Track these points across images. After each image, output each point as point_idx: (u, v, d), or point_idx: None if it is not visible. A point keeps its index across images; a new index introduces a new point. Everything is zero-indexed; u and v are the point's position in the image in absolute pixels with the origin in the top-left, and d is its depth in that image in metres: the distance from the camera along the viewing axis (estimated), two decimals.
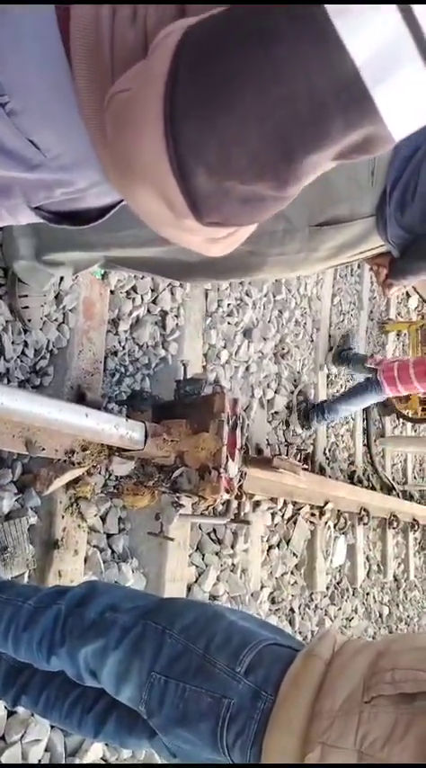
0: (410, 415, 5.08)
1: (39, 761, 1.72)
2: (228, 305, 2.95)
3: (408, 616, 5.21)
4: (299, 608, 3.38)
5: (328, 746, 0.91)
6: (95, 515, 2.08)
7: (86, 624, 1.21)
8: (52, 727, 1.76)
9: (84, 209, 0.76)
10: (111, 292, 2.23)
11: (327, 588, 3.79)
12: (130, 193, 0.55)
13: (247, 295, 3.11)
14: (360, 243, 1.36)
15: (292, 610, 3.30)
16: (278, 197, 0.50)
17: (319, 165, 0.48)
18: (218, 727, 1.01)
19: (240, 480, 2.21)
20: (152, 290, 2.42)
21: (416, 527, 5.53)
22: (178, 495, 2.10)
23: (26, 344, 1.88)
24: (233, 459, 2.09)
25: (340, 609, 3.90)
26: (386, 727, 0.89)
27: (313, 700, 0.97)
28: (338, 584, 4.00)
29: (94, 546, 2.15)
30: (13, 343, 1.83)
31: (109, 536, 2.24)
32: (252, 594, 2.91)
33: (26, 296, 1.75)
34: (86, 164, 0.64)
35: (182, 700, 1.04)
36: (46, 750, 1.74)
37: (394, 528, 4.97)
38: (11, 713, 1.68)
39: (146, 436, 1.95)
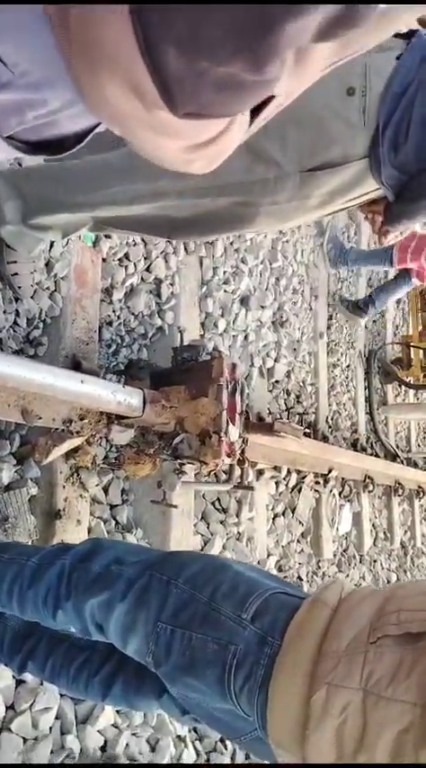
0: (412, 382, 5.06)
1: (50, 728, 1.72)
2: (224, 272, 2.91)
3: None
4: (307, 575, 3.38)
5: (333, 686, 0.90)
6: (97, 485, 2.07)
7: (91, 577, 1.20)
8: (62, 695, 1.76)
9: (60, 137, 0.72)
10: (103, 260, 2.19)
11: (334, 556, 3.79)
12: (99, 92, 0.51)
13: (243, 262, 3.06)
14: (354, 187, 1.32)
15: (300, 577, 3.31)
16: (256, 80, 0.47)
17: (298, 39, 0.44)
18: (225, 673, 1.00)
19: (242, 446, 2.19)
20: (145, 258, 2.38)
21: (421, 494, 5.53)
22: (180, 461, 2.08)
23: (18, 314, 1.85)
24: (233, 424, 2.07)
25: (347, 576, 3.90)
26: (392, 666, 0.88)
27: (319, 643, 0.96)
28: (345, 551, 4.00)
29: (98, 517, 2.14)
30: (4, 312, 1.80)
31: (112, 507, 2.23)
32: (258, 562, 2.91)
33: (15, 262, 1.72)
34: (56, 80, 0.61)
35: (189, 648, 1.03)
36: (56, 718, 1.74)
37: (399, 495, 4.96)
38: (19, 682, 1.67)
39: (144, 403, 1.93)
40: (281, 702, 0.96)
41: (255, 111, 0.65)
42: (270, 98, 0.63)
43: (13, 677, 1.65)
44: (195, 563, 1.15)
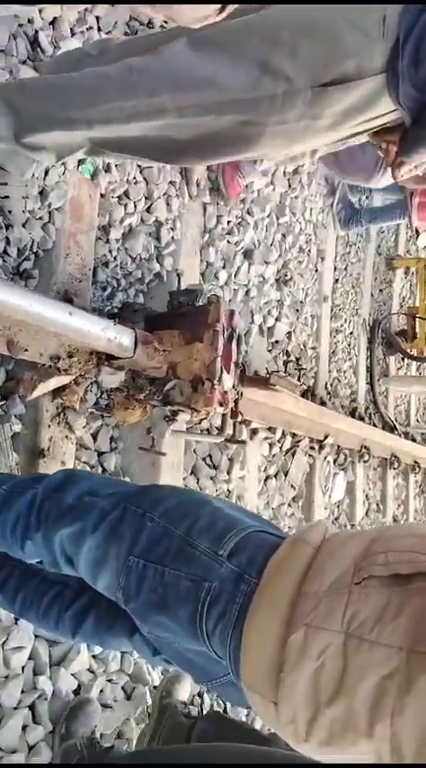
0: (415, 355, 4.97)
1: (23, 668, 1.68)
2: (228, 222, 2.80)
3: None
4: None
5: (313, 628, 0.84)
6: (84, 427, 2.00)
7: (63, 508, 1.14)
8: (36, 636, 1.72)
9: None
10: (101, 195, 2.08)
11: None
12: None
13: (249, 214, 2.95)
14: (369, 107, 1.22)
15: None
16: None
17: None
18: (198, 611, 0.94)
19: (235, 396, 2.12)
20: (146, 198, 2.28)
21: (417, 469, 5.49)
22: (171, 408, 2.01)
23: (8, 242, 1.76)
24: (227, 373, 1.99)
25: None
26: (377, 607, 0.82)
27: (299, 583, 0.89)
28: (336, 519, 3.97)
29: (85, 462, 2.08)
30: None
31: (100, 454, 2.17)
32: None
33: (5, 184, 1.63)
34: None
35: (161, 584, 0.97)
36: (30, 658, 1.71)
37: (394, 469, 4.92)
38: None
39: (136, 344, 1.85)
40: (256, 643, 0.90)
41: None
42: None
43: None
44: (173, 497, 1.08)
